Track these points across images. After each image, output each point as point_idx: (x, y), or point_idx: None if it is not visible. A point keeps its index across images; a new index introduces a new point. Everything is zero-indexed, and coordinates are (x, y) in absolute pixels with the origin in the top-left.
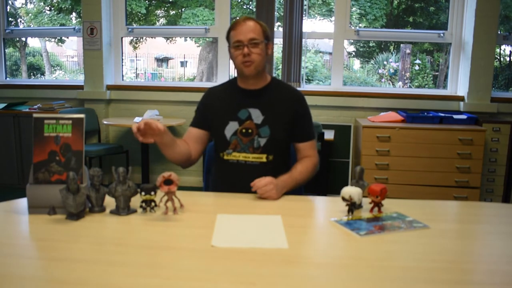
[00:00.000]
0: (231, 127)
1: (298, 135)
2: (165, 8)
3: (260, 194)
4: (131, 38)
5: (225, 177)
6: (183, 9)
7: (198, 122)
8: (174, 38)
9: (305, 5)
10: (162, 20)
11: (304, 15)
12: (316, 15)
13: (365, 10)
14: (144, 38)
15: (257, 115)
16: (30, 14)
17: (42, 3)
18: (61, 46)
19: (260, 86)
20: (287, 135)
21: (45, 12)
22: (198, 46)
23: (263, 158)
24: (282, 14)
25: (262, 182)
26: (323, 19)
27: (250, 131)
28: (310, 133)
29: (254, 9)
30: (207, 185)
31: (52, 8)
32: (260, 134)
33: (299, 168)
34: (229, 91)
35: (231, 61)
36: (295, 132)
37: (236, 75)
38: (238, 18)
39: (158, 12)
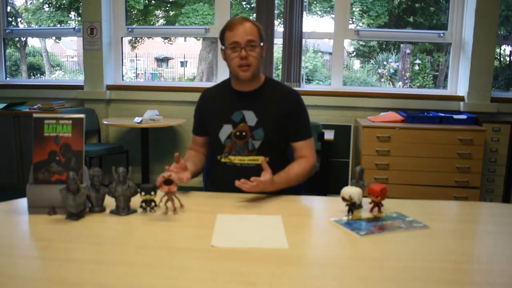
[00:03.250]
0: (225, 130)
1: (292, 134)
2: (165, 8)
3: (247, 189)
4: (130, 38)
5: (223, 179)
6: (183, 9)
7: (198, 129)
8: (173, 39)
9: (305, 1)
10: (162, 21)
11: (304, 11)
12: (318, 11)
13: (366, 7)
14: (143, 38)
15: (250, 117)
16: (28, 11)
17: (41, 0)
18: (58, 42)
19: (254, 88)
20: (282, 136)
21: (43, 9)
22: (198, 40)
23: (259, 160)
24: (282, 10)
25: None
26: (324, 15)
27: (244, 133)
28: (305, 132)
29: (254, 5)
30: (207, 185)
31: (51, 5)
32: (254, 137)
33: (295, 167)
34: (223, 93)
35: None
36: (289, 131)
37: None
38: (233, 18)
39: (158, 12)
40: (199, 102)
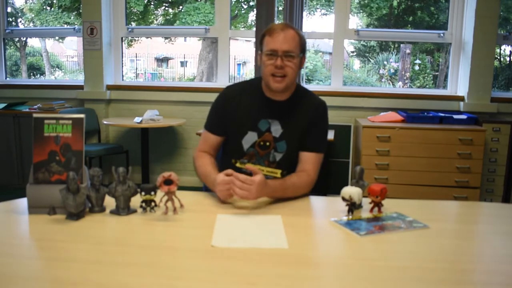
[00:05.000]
0: (250, 138)
1: (304, 142)
2: (164, 8)
3: (238, 193)
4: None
5: None
6: (182, 6)
7: (217, 127)
8: (173, 39)
9: (305, 0)
10: (161, 20)
11: (304, 9)
12: (317, 6)
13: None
14: (139, 37)
15: (276, 128)
16: (32, 10)
17: (42, 1)
18: (62, 42)
19: (285, 98)
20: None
21: (46, 9)
22: (199, 40)
23: (278, 174)
24: (282, 8)
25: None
26: (323, 10)
27: (268, 144)
28: (316, 145)
29: (253, 3)
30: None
31: (52, 7)
32: (276, 149)
33: (293, 178)
34: (251, 96)
35: (231, 61)
36: (303, 139)
37: (260, 76)
38: (275, 23)
39: (157, 11)
40: (223, 99)
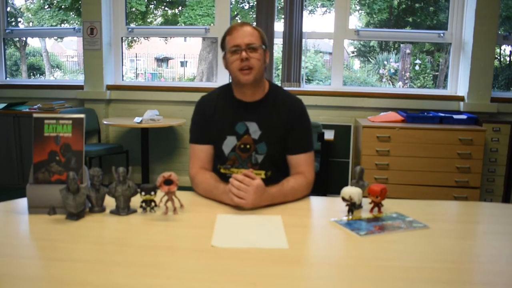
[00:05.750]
0: (229, 142)
1: (290, 146)
2: (164, 8)
3: (236, 193)
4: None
5: None
6: (181, 7)
7: (202, 137)
8: (169, 38)
9: (305, 1)
10: (161, 19)
11: (304, 8)
12: (317, 3)
13: (367, 4)
14: (139, 38)
15: (254, 130)
16: (30, 10)
17: (41, 1)
18: (61, 41)
19: (258, 98)
20: (283, 150)
21: (44, 9)
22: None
23: (262, 174)
24: (282, 6)
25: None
26: (324, 8)
27: (248, 146)
28: (304, 145)
29: (253, 3)
30: None
31: (51, 6)
32: (257, 151)
33: (290, 181)
34: (224, 101)
35: None
36: (287, 143)
37: (231, 81)
38: (232, 24)
39: (157, 11)
40: (199, 109)
